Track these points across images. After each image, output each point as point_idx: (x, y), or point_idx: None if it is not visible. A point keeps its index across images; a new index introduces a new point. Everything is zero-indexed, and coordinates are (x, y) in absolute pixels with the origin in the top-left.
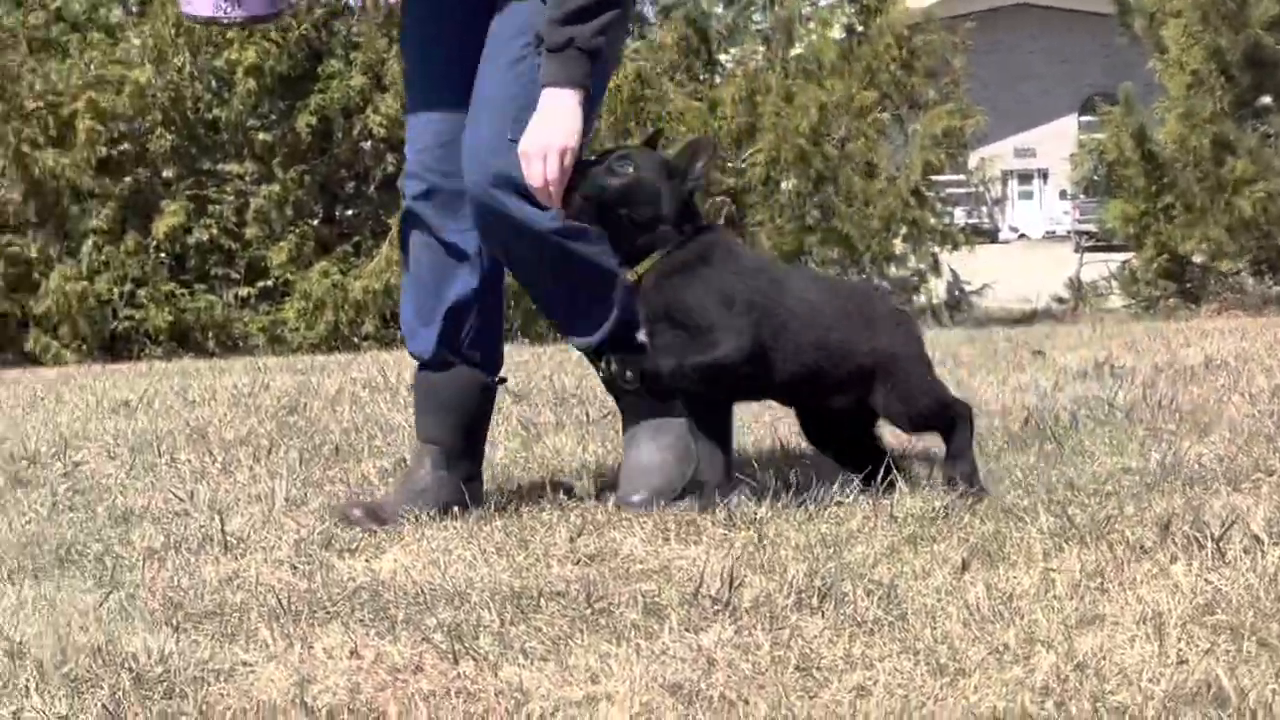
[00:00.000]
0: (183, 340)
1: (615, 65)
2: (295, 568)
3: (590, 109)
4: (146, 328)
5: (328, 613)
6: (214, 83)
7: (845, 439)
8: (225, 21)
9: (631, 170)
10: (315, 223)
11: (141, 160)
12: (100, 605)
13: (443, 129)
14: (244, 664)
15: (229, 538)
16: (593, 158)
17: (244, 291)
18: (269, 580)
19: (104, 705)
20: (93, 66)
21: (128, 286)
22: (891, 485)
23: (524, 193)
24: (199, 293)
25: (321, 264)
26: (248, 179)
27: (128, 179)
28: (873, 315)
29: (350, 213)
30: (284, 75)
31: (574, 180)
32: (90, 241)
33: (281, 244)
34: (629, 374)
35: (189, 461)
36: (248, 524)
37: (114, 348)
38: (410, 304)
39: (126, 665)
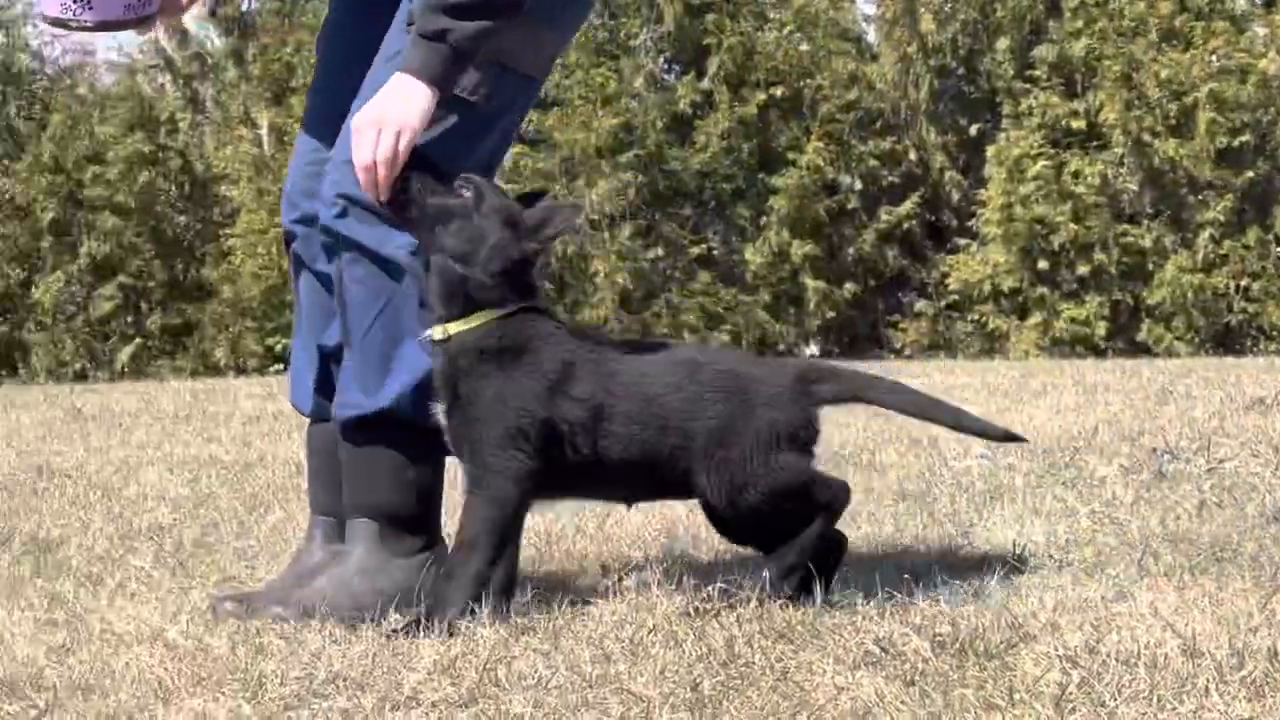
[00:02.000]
0: None
1: (521, 116)
2: None
3: (478, 130)
4: (1261, 322)
5: None
6: None
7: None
8: (75, 25)
9: (469, 196)
10: None
11: (1261, 152)
12: (1265, 606)
13: (322, 149)
14: None
15: None
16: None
17: None
18: None
19: None
20: (1216, 56)
21: (1244, 280)
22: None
23: (374, 212)
24: None
25: None
26: None
27: (1248, 172)
28: (702, 384)
29: None
30: None
31: (407, 180)
32: (1207, 233)
33: None
34: None
35: None
36: None
37: (1227, 341)
38: (297, 342)
39: None
